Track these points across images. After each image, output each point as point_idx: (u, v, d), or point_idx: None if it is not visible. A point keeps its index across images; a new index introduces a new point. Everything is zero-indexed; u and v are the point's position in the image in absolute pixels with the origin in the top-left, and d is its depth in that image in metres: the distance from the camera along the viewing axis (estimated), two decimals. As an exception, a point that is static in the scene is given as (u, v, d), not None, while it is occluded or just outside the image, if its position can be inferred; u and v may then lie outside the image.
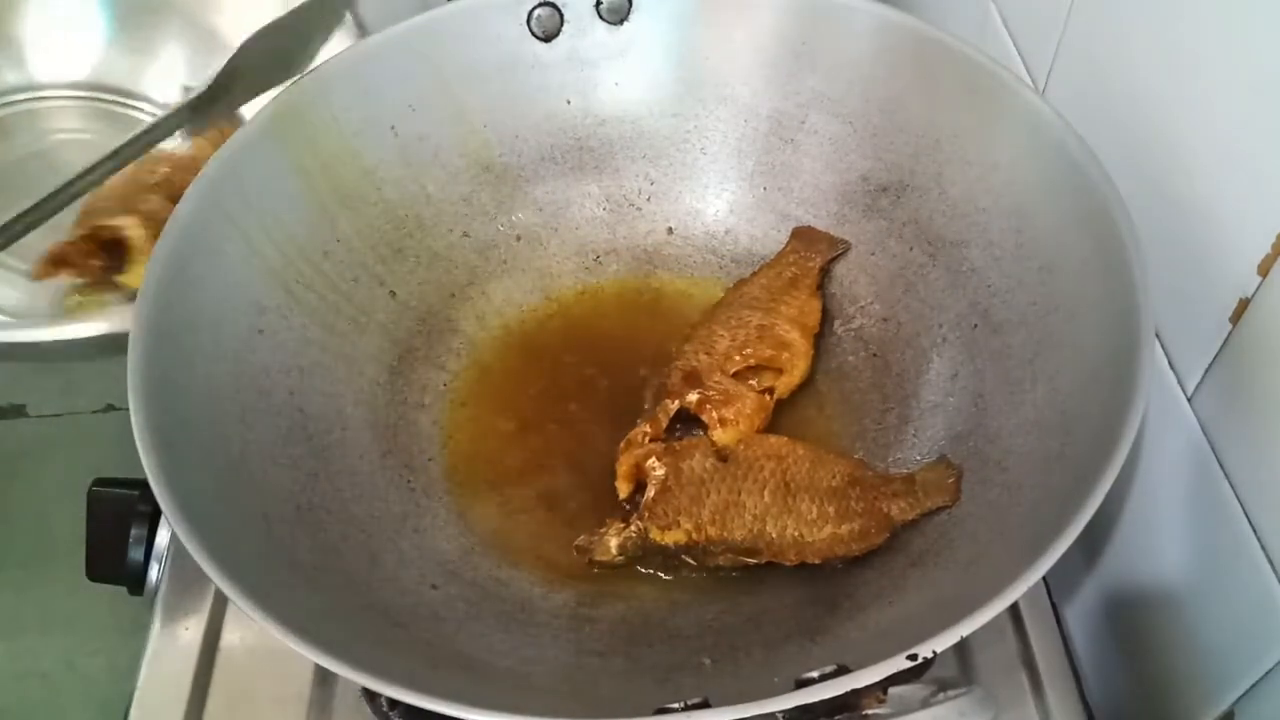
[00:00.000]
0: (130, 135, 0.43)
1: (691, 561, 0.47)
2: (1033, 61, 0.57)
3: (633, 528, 0.47)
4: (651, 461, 0.48)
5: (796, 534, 0.46)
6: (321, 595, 0.43)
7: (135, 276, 0.59)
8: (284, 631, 0.36)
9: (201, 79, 0.54)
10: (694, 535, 0.46)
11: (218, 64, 0.60)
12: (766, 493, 0.47)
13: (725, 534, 0.46)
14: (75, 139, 0.74)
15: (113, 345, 0.53)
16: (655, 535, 0.46)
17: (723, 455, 0.48)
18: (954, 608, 0.36)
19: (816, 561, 0.46)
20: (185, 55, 0.75)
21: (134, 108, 0.76)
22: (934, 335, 0.53)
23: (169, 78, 0.75)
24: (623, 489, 0.48)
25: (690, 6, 0.58)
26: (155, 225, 0.56)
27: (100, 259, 0.60)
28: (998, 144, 0.51)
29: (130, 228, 0.60)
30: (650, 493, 0.47)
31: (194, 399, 0.45)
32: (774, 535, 0.46)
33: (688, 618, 0.47)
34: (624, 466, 0.48)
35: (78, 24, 0.76)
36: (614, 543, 0.47)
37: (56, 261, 0.59)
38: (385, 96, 0.55)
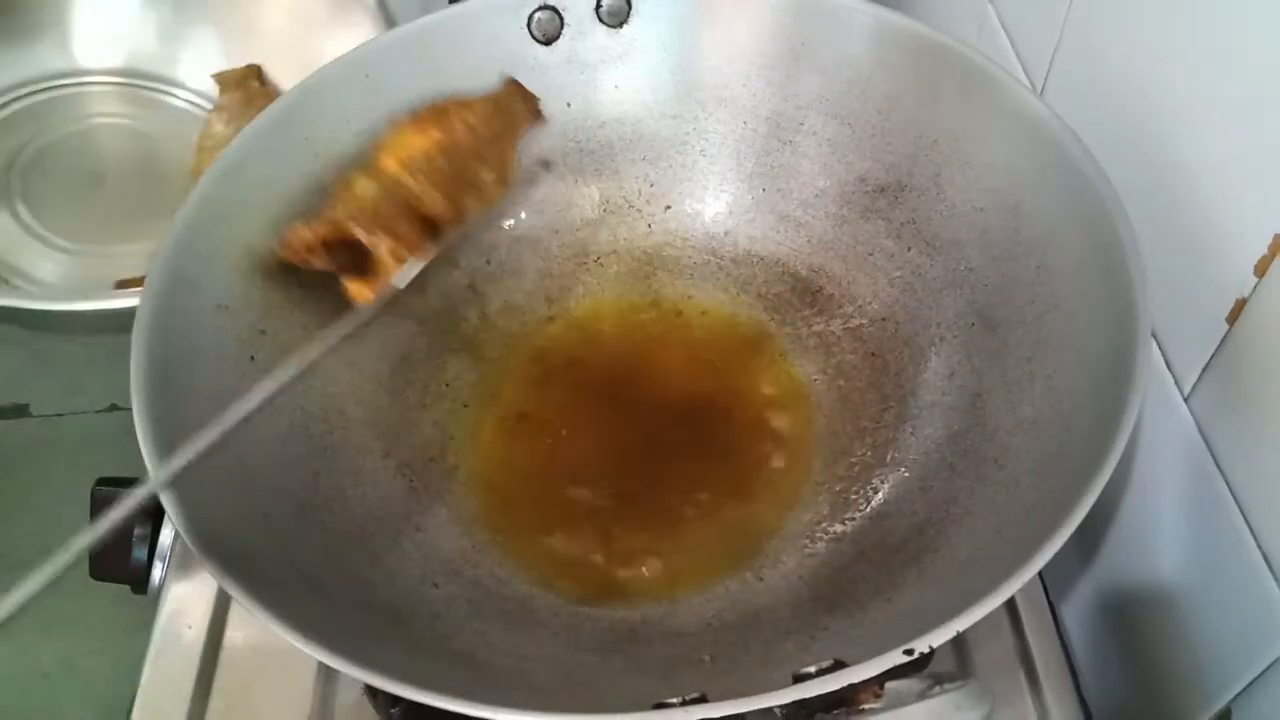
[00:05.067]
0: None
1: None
2: (1031, 62, 0.57)
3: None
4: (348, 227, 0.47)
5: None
6: (323, 593, 0.43)
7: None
8: (287, 630, 0.36)
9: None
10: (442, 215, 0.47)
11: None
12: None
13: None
14: (112, 122, 0.82)
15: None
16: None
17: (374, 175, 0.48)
18: (951, 603, 0.36)
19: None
20: (218, 43, 0.82)
21: (169, 93, 0.83)
22: (932, 334, 0.53)
23: (202, 64, 0.82)
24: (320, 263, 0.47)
25: (689, 9, 0.58)
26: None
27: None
28: (995, 144, 0.51)
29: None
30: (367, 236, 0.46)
31: (196, 399, 0.45)
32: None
33: (687, 616, 0.47)
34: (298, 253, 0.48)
35: (118, 11, 0.83)
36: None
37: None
38: (387, 99, 0.55)
